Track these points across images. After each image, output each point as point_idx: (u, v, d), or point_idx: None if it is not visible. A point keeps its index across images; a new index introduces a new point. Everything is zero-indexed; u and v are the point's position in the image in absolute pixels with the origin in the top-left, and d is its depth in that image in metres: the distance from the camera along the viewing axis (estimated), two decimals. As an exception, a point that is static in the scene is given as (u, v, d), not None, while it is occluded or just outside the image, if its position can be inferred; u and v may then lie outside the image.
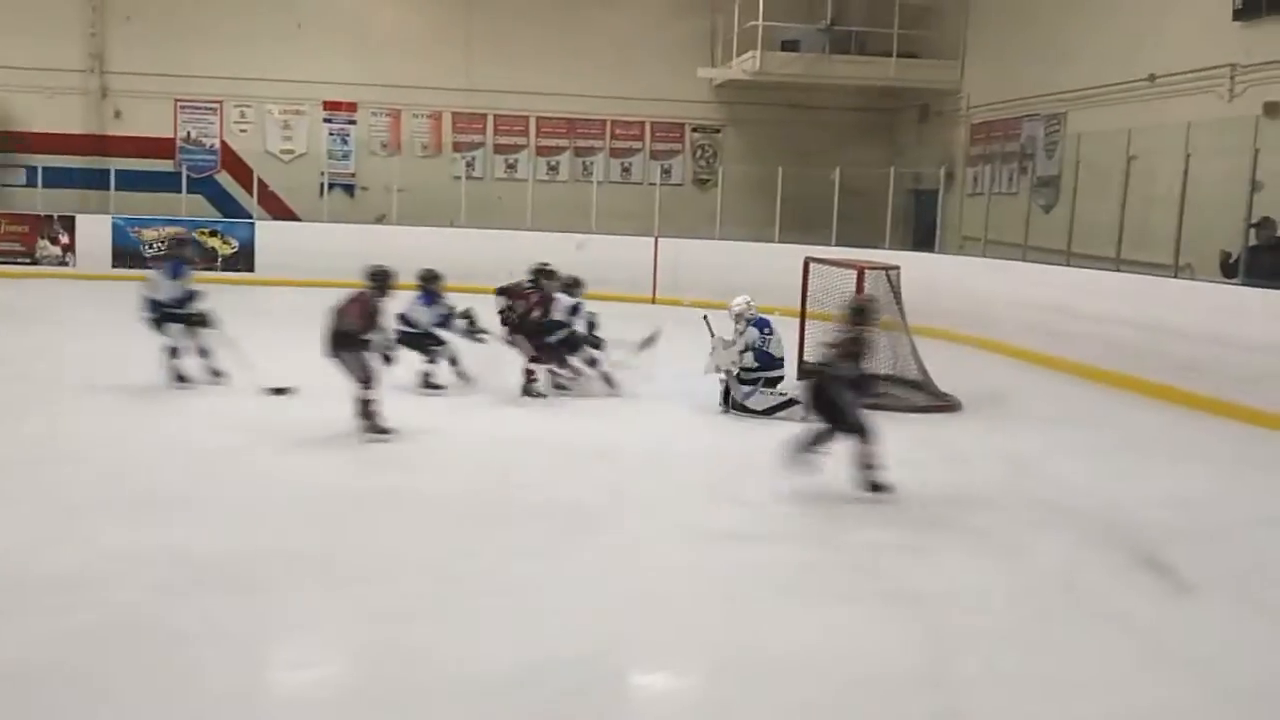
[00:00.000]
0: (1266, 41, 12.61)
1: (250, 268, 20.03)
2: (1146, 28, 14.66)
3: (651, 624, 5.13)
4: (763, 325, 10.31)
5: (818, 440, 7.48)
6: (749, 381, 10.22)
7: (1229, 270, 11.26)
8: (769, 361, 10.29)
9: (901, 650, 4.92)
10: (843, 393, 7.39)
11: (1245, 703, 4.55)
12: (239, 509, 6.63)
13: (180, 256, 11.58)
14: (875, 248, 16.85)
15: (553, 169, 22.86)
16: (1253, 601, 5.66)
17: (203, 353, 10.61)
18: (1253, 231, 11.05)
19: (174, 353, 10.45)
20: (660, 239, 19.47)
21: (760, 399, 10.21)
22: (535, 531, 6.40)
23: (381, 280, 9.16)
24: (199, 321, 10.56)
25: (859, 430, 7.37)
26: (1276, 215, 10.97)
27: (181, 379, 10.44)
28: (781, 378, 10.35)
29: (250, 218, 20.95)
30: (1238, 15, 12.96)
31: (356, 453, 8.10)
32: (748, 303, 10.31)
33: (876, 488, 7.30)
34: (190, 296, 10.68)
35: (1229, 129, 11.99)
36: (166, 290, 10.51)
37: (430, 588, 5.43)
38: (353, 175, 22.42)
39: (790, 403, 9.91)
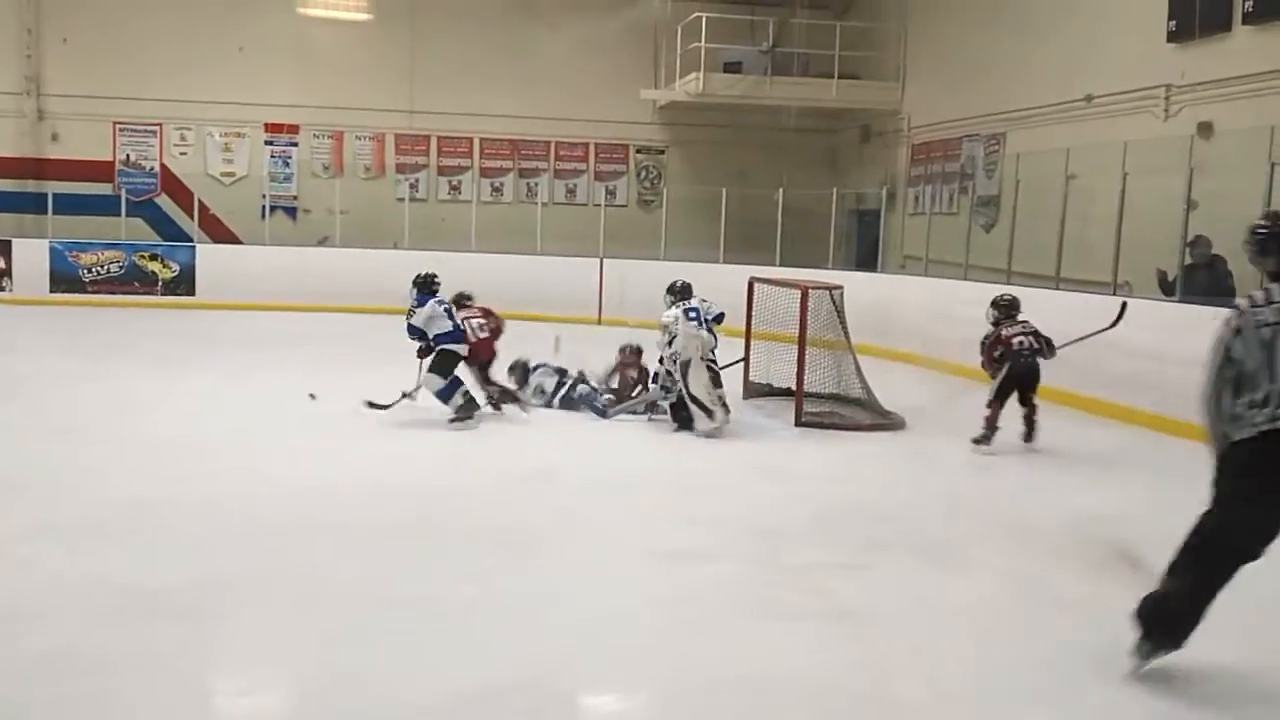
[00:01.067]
0: (1200, 62, 12.83)
1: (191, 291, 19.79)
2: (1083, 49, 14.88)
3: (597, 646, 5.09)
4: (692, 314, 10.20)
5: None
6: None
7: (1166, 288, 11.42)
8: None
9: (847, 669, 4.92)
10: None
11: (1191, 717, 4.58)
12: (175, 537, 6.51)
13: None
14: (819, 267, 16.96)
15: (497, 190, 22.84)
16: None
17: None
18: (1188, 250, 11.21)
19: None
20: (605, 260, 19.48)
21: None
22: (479, 554, 6.34)
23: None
24: None
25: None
26: (1210, 234, 11.13)
27: None
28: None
29: (191, 241, 20.71)
30: (1172, 37, 13.18)
31: (295, 478, 8.00)
32: (675, 316, 10.21)
33: None
34: None
35: (1164, 148, 12.19)
36: None
37: (373, 613, 5.35)
38: (295, 197, 22.29)
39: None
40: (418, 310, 10.21)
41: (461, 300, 11.04)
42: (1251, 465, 4.65)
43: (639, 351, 11.25)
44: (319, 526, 6.79)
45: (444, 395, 10.06)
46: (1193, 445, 9.75)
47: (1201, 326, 10.29)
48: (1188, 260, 11.18)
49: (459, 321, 10.40)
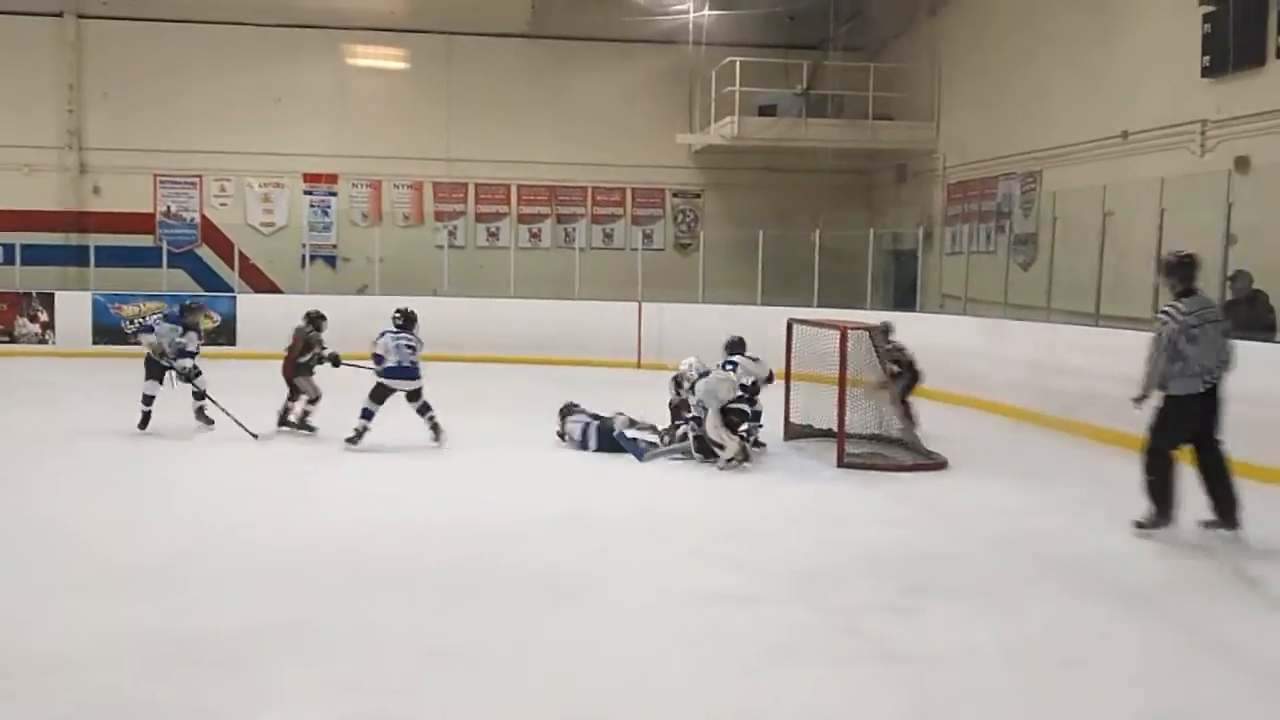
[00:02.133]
0: (1235, 97, 12.80)
1: (232, 341, 19.97)
2: (1118, 85, 14.87)
3: (638, 692, 5.08)
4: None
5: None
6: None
7: None
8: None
9: (893, 712, 4.89)
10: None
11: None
12: (216, 582, 6.57)
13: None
14: (857, 308, 16.96)
15: (534, 236, 23.00)
16: (1243, 654, 5.65)
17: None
18: (1228, 285, 11.15)
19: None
20: (643, 304, 19.55)
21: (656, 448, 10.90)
22: (519, 599, 6.35)
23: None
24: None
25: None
26: (1250, 268, 11.07)
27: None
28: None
29: (232, 291, 20.95)
30: (1206, 72, 13.15)
31: (329, 523, 8.05)
32: (690, 364, 11.08)
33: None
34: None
35: (1201, 184, 12.14)
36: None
37: (411, 660, 5.36)
38: (334, 246, 22.54)
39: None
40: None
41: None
42: (1184, 408, 7.80)
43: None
44: (359, 573, 6.83)
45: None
46: (1241, 482, 9.75)
47: (1246, 362, 10.30)
48: (1228, 295, 11.12)
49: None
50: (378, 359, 11.34)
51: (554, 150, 22.46)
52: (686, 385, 11.11)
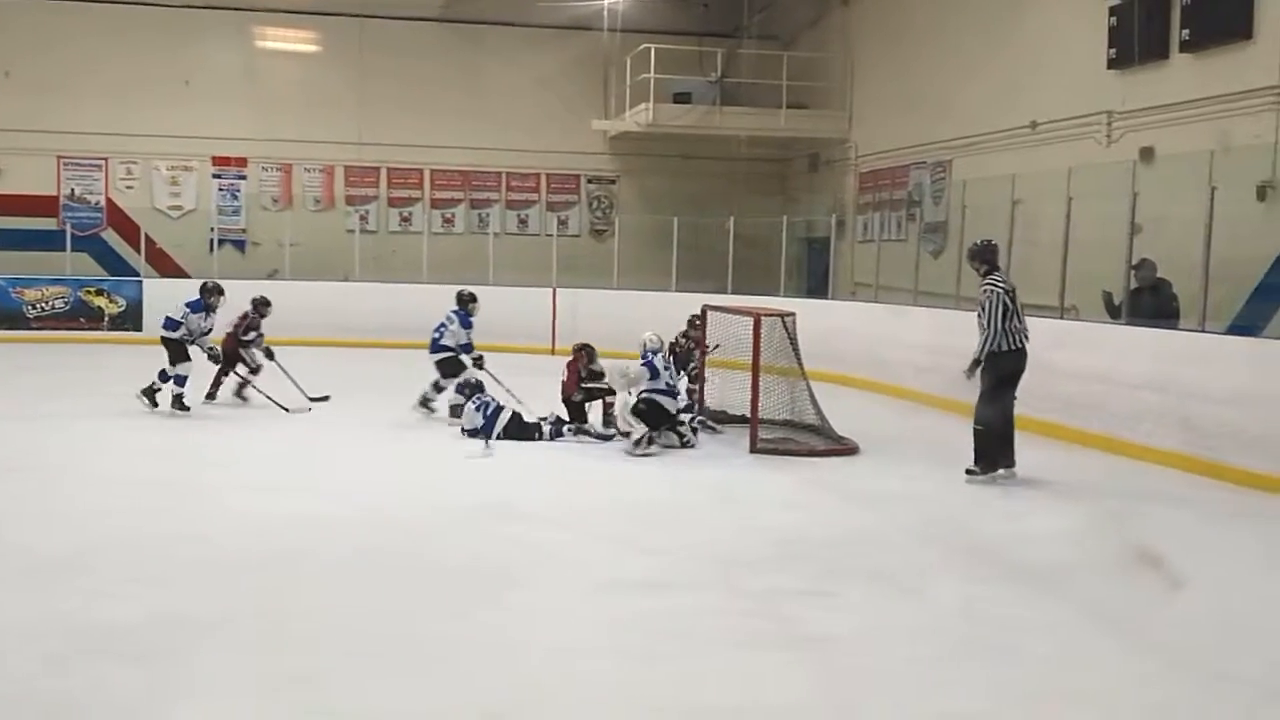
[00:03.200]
0: (1140, 89, 13.07)
1: (139, 326, 19.53)
2: (1026, 77, 15.11)
3: (564, 679, 5.05)
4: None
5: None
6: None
7: (1113, 311, 11.57)
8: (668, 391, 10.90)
9: (813, 696, 4.93)
10: None
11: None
12: (131, 573, 6.42)
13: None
14: (770, 295, 17.06)
15: (448, 221, 22.84)
16: (1143, 634, 5.77)
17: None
18: (1133, 273, 11.37)
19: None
20: (558, 290, 19.49)
21: (626, 423, 10.84)
22: (434, 591, 6.29)
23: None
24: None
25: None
26: (1155, 257, 11.30)
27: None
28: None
29: (138, 276, 20.51)
30: (1112, 64, 13.42)
31: (250, 513, 7.92)
32: (651, 337, 11.30)
33: None
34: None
35: (1107, 174, 12.37)
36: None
37: (335, 651, 5.28)
38: (243, 231, 22.18)
39: (644, 439, 10.55)
40: None
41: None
42: (1017, 360, 9.17)
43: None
44: (273, 564, 6.72)
45: None
46: (1143, 465, 9.98)
47: (1148, 349, 10.52)
48: (1133, 283, 11.34)
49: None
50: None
51: (468, 135, 22.29)
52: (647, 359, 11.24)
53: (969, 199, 14.89)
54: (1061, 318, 12.18)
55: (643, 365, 10.89)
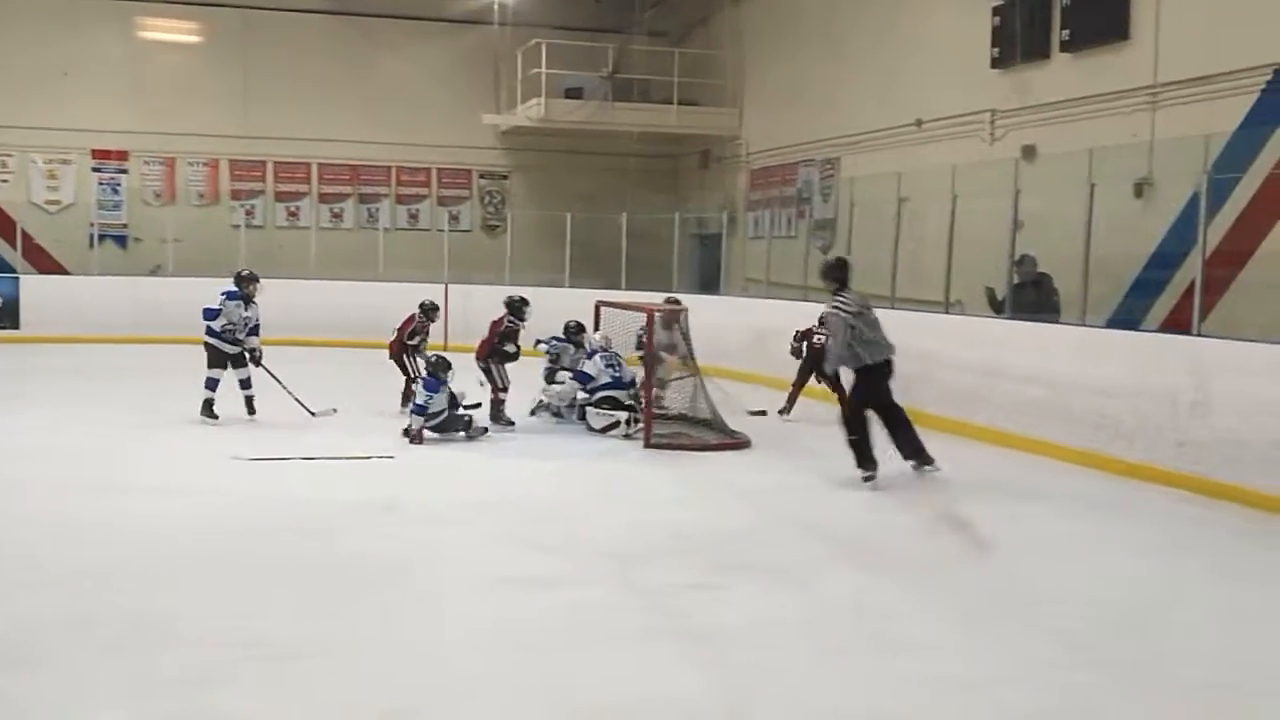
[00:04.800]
0: (1022, 88, 13.35)
1: (16, 324, 18.90)
2: (912, 76, 15.33)
3: (451, 677, 4.98)
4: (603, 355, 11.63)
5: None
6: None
7: (996, 305, 11.79)
8: (618, 382, 11.44)
9: (704, 691, 4.91)
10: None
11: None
12: (12, 576, 6.19)
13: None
14: (663, 290, 17.05)
15: (336, 216, 22.50)
16: (1028, 622, 5.87)
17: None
18: (1015, 269, 11.59)
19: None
20: (450, 285, 19.29)
21: (599, 418, 11.17)
22: (327, 589, 6.16)
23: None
24: None
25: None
26: (1036, 252, 11.53)
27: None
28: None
29: (14, 272, 19.82)
30: (996, 63, 13.69)
31: (128, 516, 7.68)
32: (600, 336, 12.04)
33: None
34: None
35: (991, 171, 12.60)
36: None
37: (219, 652, 5.13)
38: (125, 226, 21.64)
39: (615, 424, 11.10)
40: None
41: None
42: (877, 373, 9.10)
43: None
44: (164, 565, 6.53)
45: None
46: (1026, 457, 10.19)
47: (1030, 342, 10.75)
48: (1015, 279, 11.56)
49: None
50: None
51: (357, 129, 21.96)
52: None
53: (856, 196, 15.09)
54: (947, 312, 12.38)
55: (575, 378, 11.57)
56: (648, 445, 10.61)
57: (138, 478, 8.94)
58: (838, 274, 9.28)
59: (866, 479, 9.03)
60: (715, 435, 11.09)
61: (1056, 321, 11.17)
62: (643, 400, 11.01)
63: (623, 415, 11.22)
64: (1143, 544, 7.72)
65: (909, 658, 5.31)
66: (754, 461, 10.34)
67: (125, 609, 5.73)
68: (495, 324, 11.52)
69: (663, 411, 11.37)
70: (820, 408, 13.20)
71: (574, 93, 20.62)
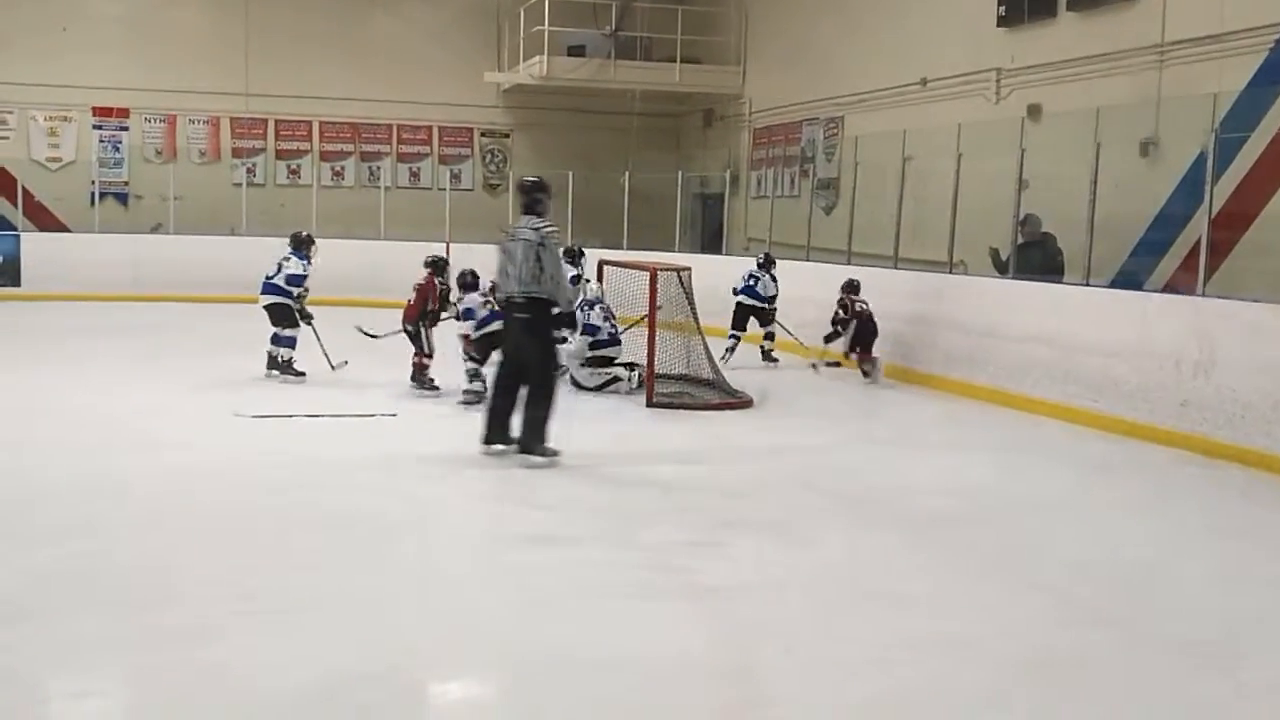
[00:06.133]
0: (1029, 46, 13.27)
1: (16, 282, 18.87)
2: (917, 33, 15.25)
3: (449, 633, 5.00)
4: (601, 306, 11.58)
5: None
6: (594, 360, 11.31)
7: (1000, 266, 11.77)
8: (614, 338, 11.49)
9: (706, 645, 4.94)
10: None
11: (1021, 675, 4.72)
12: (5, 536, 6.21)
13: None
14: (666, 250, 17.08)
15: (338, 174, 22.41)
16: (1026, 580, 5.90)
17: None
18: (1019, 228, 11.56)
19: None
20: (452, 244, 19.24)
21: (592, 377, 11.22)
22: (321, 545, 6.17)
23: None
24: None
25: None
26: (1042, 212, 11.49)
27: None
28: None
29: (15, 230, 19.76)
30: (1001, 22, 13.60)
31: (117, 467, 7.69)
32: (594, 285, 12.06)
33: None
34: None
35: (996, 130, 12.56)
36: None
37: (210, 606, 5.14)
38: (126, 184, 21.53)
39: (615, 379, 11.21)
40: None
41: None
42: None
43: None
44: (158, 518, 6.55)
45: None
46: (1028, 417, 10.21)
47: (1034, 302, 10.75)
48: (1019, 238, 11.53)
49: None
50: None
51: (358, 86, 21.82)
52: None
53: (861, 155, 15.03)
54: (950, 272, 12.37)
55: (583, 334, 11.21)
56: (650, 404, 10.62)
57: (139, 434, 8.92)
58: (528, 195, 8.30)
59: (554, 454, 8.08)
60: (717, 395, 11.09)
61: (1060, 281, 11.15)
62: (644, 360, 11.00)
63: (623, 371, 11.25)
64: (1143, 503, 7.77)
65: (908, 614, 5.33)
66: (756, 421, 10.34)
67: (122, 564, 5.75)
68: (423, 287, 11.06)
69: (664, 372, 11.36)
70: (826, 370, 13.25)
71: (576, 50, 20.51)
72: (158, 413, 9.84)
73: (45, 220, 20.49)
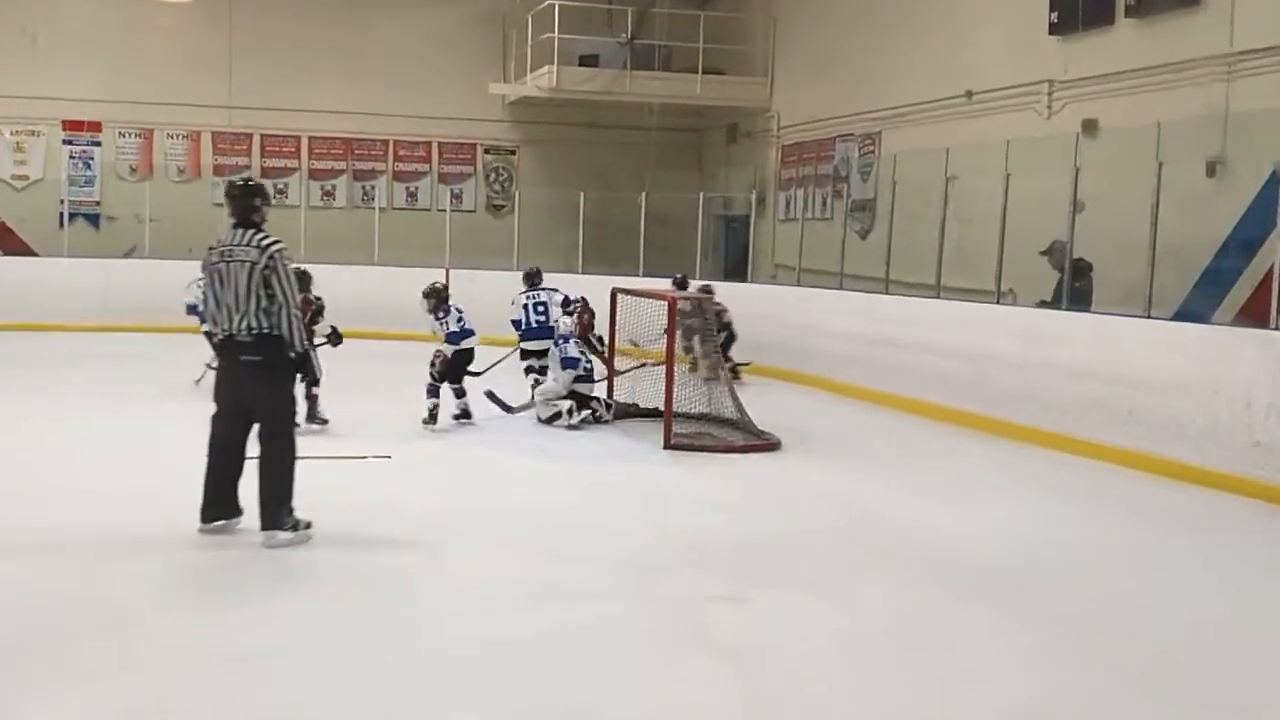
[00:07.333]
0: (1083, 56, 13.29)
1: (-23, 309, 19.02)
2: (961, 43, 15.29)
3: (461, 694, 5.00)
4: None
5: None
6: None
7: (1059, 265, 11.67)
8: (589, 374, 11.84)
9: (730, 708, 4.93)
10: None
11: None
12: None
13: None
14: (686, 277, 17.06)
15: (328, 194, 22.53)
16: (1084, 644, 5.85)
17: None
18: (1047, 258, 11.61)
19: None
20: (452, 270, 19.31)
21: (545, 407, 11.65)
22: (324, 599, 6.19)
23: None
24: None
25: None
26: (1096, 236, 11.44)
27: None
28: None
29: (-22, 252, 19.95)
30: (1054, 29, 13.63)
31: (100, 517, 7.69)
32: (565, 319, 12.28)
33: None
34: None
35: (1048, 147, 12.55)
36: None
37: (192, 674, 5.12)
38: (98, 204, 21.70)
39: (558, 414, 11.50)
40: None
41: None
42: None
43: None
44: (127, 578, 6.53)
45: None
46: (1084, 462, 10.16)
47: (1088, 335, 10.65)
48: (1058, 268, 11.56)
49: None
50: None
51: (351, 99, 21.97)
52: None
53: (899, 174, 15.03)
54: (998, 302, 12.35)
55: (565, 368, 11.67)
56: (667, 446, 10.62)
57: (105, 479, 8.92)
58: (235, 204, 7.44)
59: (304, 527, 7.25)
60: (741, 436, 11.09)
61: (1088, 310, 11.17)
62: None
63: (564, 404, 11.55)
64: (1212, 558, 7.72)
65: (955, 681, 5.30)
66: (785, 464, 10.33)
67: (106, 619, 5.75)
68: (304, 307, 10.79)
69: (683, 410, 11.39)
70: (853, 407, 13.23)
71: (589, 60, 20.60)
72: (130, 454, 9.83)
73: (10, 243, 20.65)
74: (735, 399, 11.42)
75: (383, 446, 10.15)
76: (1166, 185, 10.46)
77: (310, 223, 20.60)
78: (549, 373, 11.94)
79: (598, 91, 20.50)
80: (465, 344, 11.16)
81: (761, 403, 11.90)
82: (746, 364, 13.49)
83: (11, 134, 21.43)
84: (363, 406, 11.56)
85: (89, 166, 21.76)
